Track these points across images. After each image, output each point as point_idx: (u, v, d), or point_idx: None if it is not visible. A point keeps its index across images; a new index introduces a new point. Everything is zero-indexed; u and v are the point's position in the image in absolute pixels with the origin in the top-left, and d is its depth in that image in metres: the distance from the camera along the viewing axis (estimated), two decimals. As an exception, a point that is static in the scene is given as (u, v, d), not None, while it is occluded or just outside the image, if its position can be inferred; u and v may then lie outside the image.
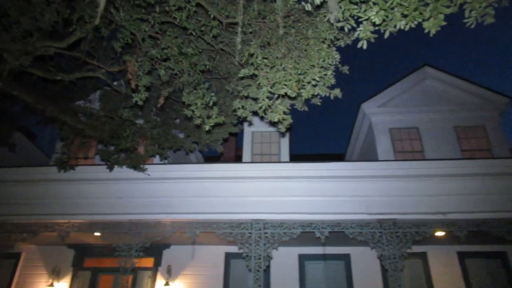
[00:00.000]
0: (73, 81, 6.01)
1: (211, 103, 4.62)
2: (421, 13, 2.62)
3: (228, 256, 8.73)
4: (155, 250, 8.69)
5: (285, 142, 9.48)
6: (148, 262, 8.79)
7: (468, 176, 6.90)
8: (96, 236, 7.84)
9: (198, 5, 4.43)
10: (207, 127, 4.62)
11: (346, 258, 8.57)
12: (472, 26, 2.59)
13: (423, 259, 8.45)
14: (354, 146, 11.56)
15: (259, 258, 6.41)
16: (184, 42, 4.88)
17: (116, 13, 4.61)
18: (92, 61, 5.62)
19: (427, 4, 2.65)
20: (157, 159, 8.20)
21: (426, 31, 2.67)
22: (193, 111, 4.69)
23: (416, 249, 7.87)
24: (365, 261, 8.37)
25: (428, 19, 2.63)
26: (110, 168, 7.08)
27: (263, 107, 4.19)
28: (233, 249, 7.94)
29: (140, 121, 6.86)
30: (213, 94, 4.65)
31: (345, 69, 4.17)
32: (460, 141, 9.40)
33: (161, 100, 4.90)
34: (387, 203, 6.72)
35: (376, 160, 9.05)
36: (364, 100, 9.82)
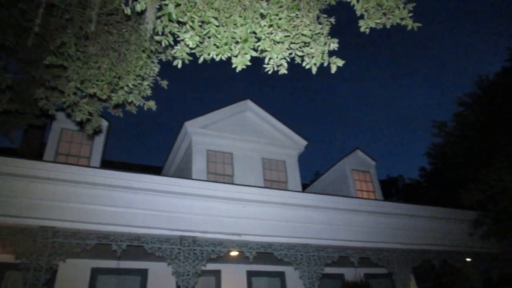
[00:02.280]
0: None
1: (3, 86, 3.93)
2: (231, 49, 2.85)
3: (3, 267, 7.38)
4: None
5: (98, 146, 8.80)
6: None
7: (266, 203, 7.75)
8: None
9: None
10: (-8, 112, 3.89)
11: (143, 273, 8.36)
12: (270, 72, 2.97)
13: (217, 276, 8.95)
14: (172, 161, 11.63)
15: (40, 270, 5.62)
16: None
17: None
18: None
19: (238, 42, 2.91)
20: None
21: (233, 66, 2.91)
22: (-24, 90, 3.90)
23: (211, 266, 8.28)
24: (162, 277, 8.30)
25: (236, 56, 2.88)
26: None
27: (68, 103, 3.80)
28: (10, 258, 6.76)
29: None
30: (8, 75, 3.98)
31: (164, 83, 4.18)
32: (265, 171, 10.57)
33: None
34: (190, 220, 6.91)
35: (190, 178, 9.28)
36: (189, 119, 10.08)
